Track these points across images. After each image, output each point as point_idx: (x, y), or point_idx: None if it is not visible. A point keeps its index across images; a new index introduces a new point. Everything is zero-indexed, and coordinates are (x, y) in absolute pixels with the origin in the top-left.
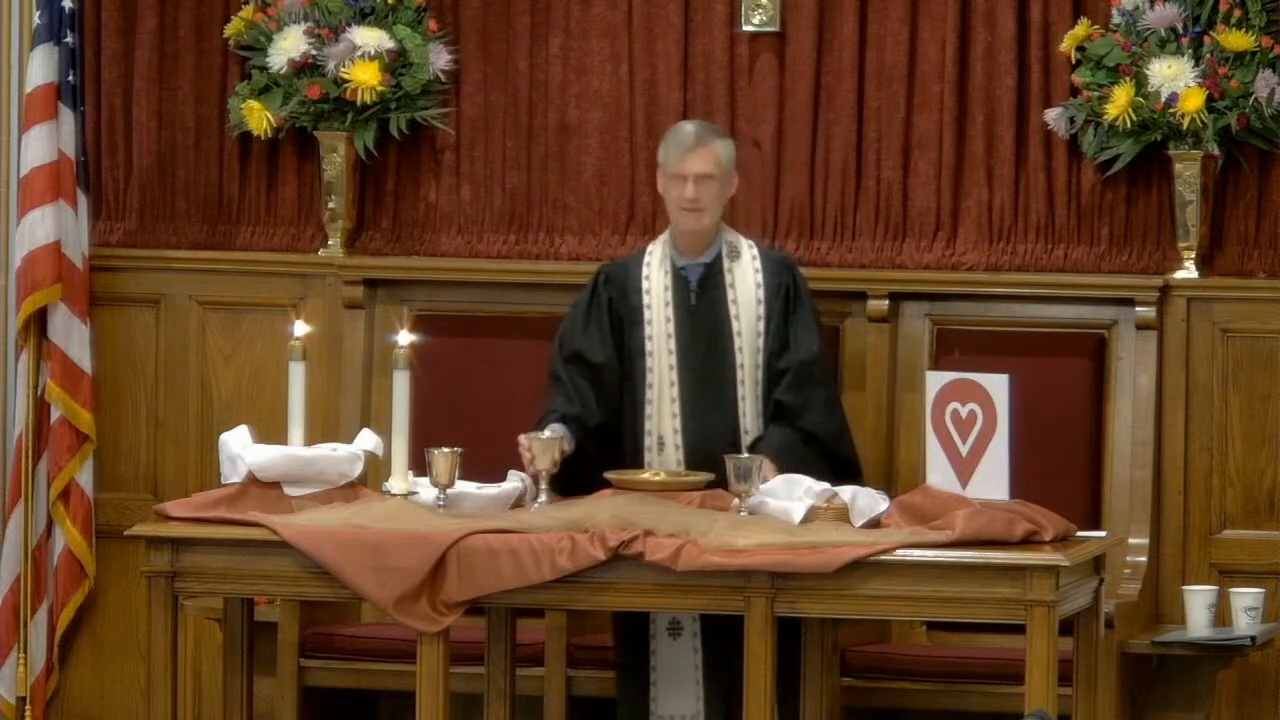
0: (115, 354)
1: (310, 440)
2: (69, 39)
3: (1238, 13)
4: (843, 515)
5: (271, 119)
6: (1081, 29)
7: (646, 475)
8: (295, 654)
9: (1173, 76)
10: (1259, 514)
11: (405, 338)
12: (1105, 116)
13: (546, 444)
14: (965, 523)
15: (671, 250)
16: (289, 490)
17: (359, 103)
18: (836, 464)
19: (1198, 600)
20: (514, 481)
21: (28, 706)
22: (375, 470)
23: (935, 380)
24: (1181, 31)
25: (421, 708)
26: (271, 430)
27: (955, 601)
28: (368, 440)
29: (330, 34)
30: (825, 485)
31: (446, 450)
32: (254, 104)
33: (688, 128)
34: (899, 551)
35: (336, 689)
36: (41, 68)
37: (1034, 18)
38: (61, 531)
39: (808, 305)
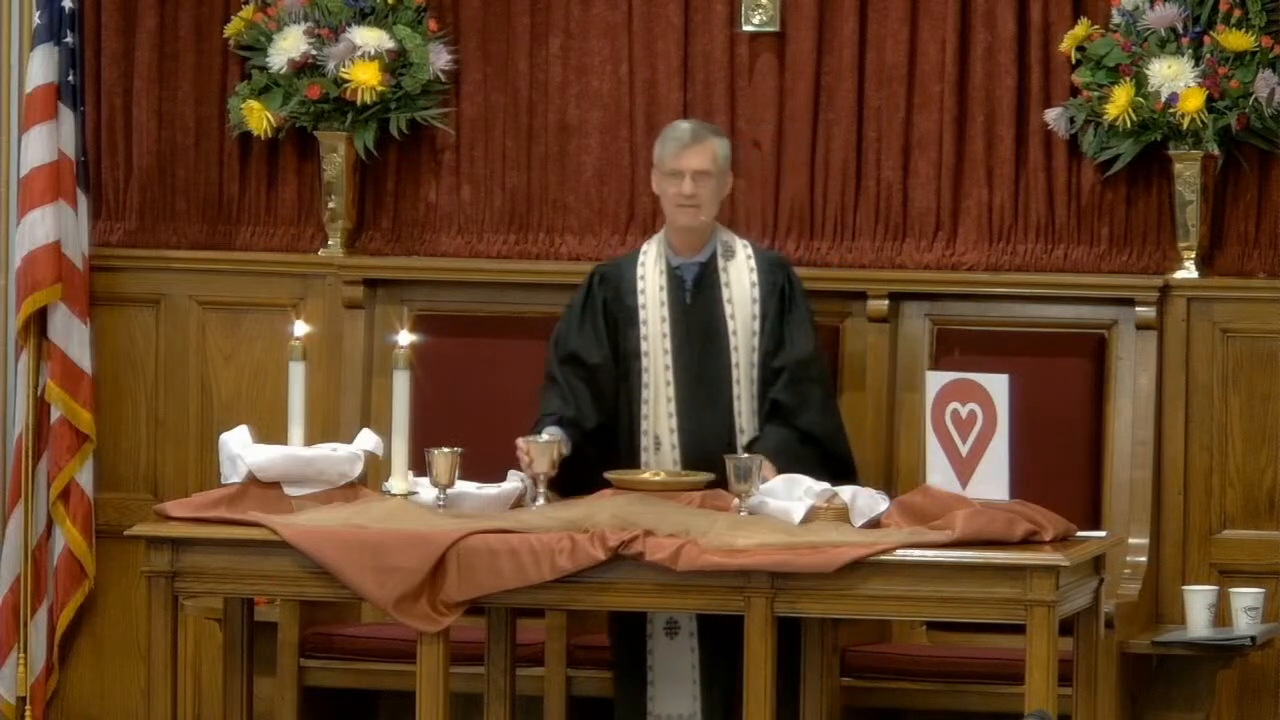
0: (115, 354)
1: (310, 440)
2: (69, 39)
3: (1238, 13)
4: (843, 515)
5: (271, 119)
6: (1081, 29)
7: (646, 475)
8: (295, 654)
9: (1173, 76)
10: (1259, 514)
11: (405, 338)
12: (1105, 116)
13: (544, 447)
14: (965, 523)
15: (666, 250)
16: (289, 490)
17: (359, 103)
18: (833, 463)
19: (1198, 600)
20: (514, 481)
21: (28, 706)
22: (375, 470)
23: (935, 380)
24: (1181, 31)
25: (421, 708)
26: (271, 430)
27: (955, 601)
28: (368, 440)
29: (330, 34)
30: (825, 485)
31: (446, 450)
32: (254, 104)
33: (684, 125)
34: (899, 551)
35: (336, 689)
36: (41, 68)
37: (1034, 18)
38: (61, 531)
39: (803, 304)
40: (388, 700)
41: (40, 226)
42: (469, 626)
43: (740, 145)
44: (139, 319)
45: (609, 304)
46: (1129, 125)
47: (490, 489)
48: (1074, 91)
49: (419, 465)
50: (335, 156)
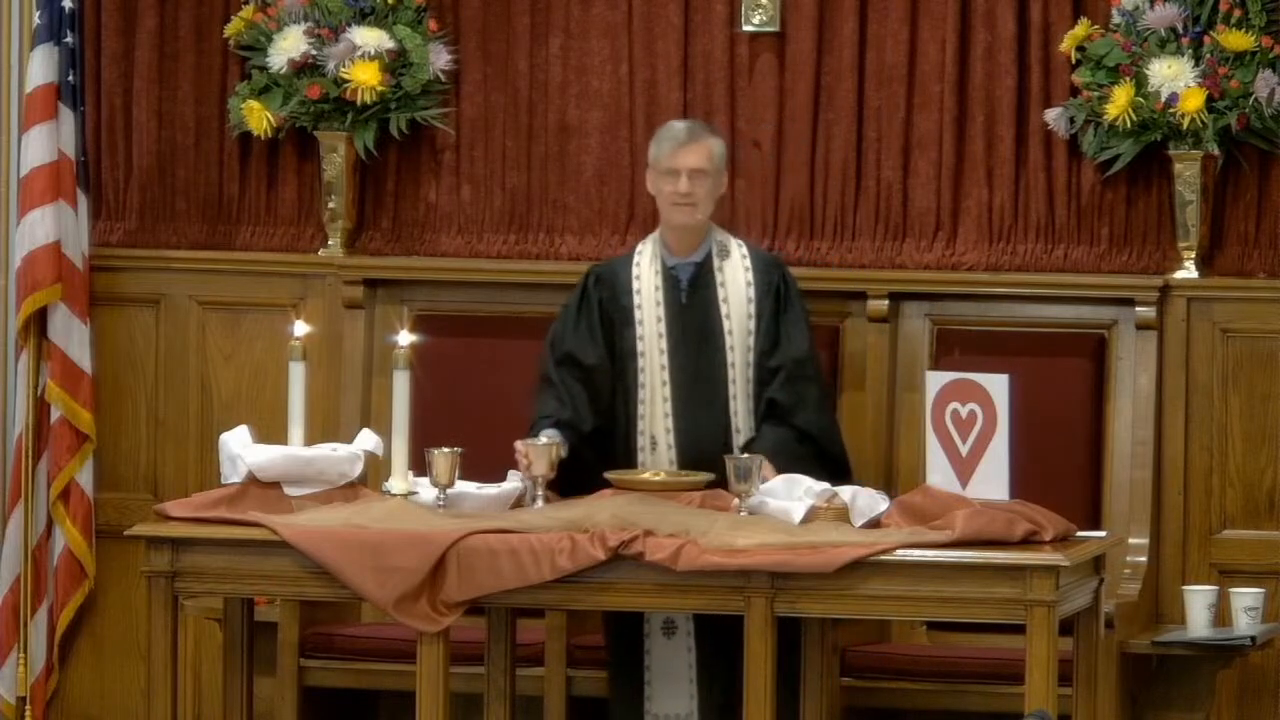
0: (115, 354)
1: (310, 440)
2: (69, 39)
3: (1238, 13)
4: (843, 515)
5: (271, 119)
6: (1081, 29)
7: (646, 475)
8: (295, 654)
9: (1173, 76)
10: (1259, 514)
11: (405, 338)
12: (1105, 116)
13: (543, 450)
14: (965, 523)
15: (662, 250)
16: (289, 490)
17: (359, 103)
18: (829, 462)
19: (1198, 600)
20: (514, 481)
21: (28, 706)
22: (375, 470)
23: (935, 380)
24: (1181, 31)
25: (421, 708)
26: (271, 430)
27: (955, 601)
28: (368, 440)
29: (330, 34)
30: (825, 485)
31: (446, 450)
32: (254, 104)
33: (679, 124)
34: (899, 551)
35: (336, 689)
36: (41, 68)
37: (1034, 18)
38: (61, 531)
39: (798, 304)
40: (388, 700)
41: (40, 226)
42: (469, 626)
43: (740, 145)
44: (139, 319)
45: (604, 304)
46: (1129, 125)
47: (490, 489)
48: (1074, 91)
49: (419, 465)
50: (335, 156)
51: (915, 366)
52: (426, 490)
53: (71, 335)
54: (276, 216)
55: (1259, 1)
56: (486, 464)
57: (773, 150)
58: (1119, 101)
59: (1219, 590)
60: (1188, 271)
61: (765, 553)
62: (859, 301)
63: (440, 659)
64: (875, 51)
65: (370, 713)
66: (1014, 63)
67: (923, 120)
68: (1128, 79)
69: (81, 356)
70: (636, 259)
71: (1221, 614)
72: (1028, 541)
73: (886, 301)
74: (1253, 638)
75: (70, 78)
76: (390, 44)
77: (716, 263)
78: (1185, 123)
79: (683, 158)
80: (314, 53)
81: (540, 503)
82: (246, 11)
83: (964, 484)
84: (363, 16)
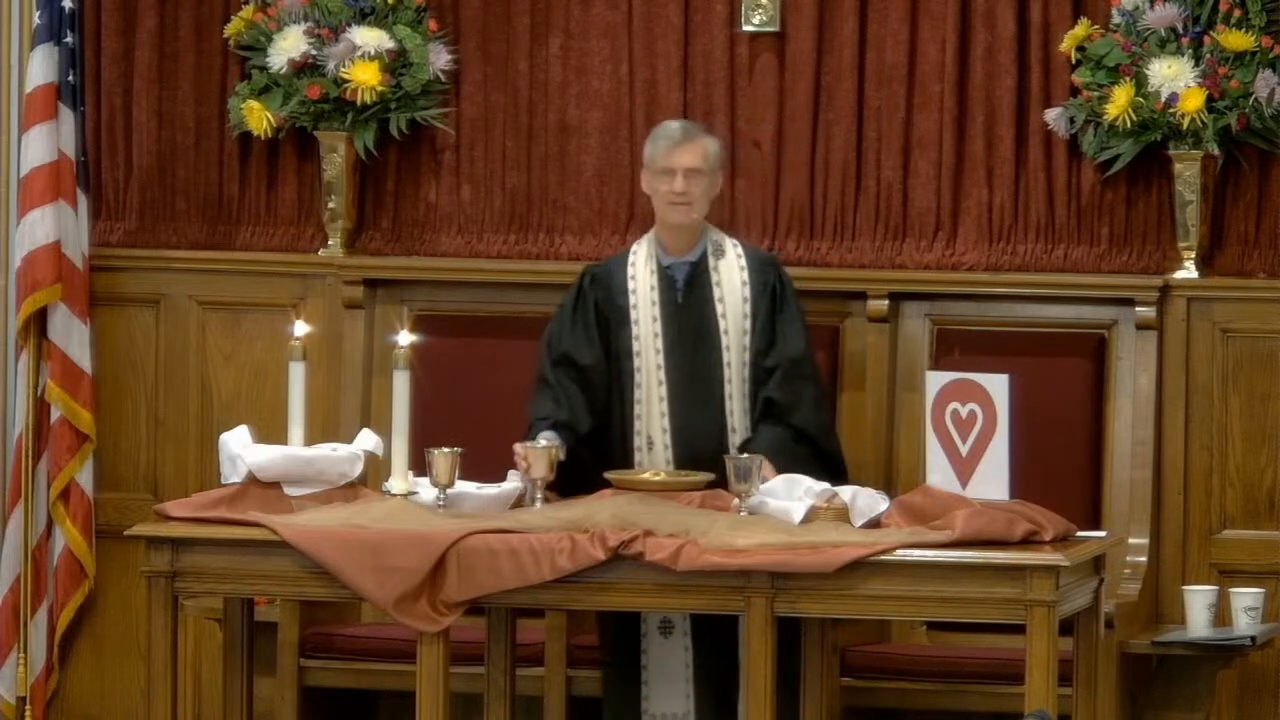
0: (115, 354)
1: (310, 440)
2: (69, 39)
3: (1238, 13)
4: (843, 515)
5: (271, 119)
6: (1081, 29)
7: (646, 475)
8: (295, 654)
9: (1173, 76)
10: (1259, 514)
11: (405, 338)
12: (1105, 116)
13: (542, 452)
14: (965, 523)
15: (657, 249)
16: (289, 490)
17: (359, 103)
18: (826, 461)
19: (1198, 600)
20: (514, 481)
21: (28, 706)
22: (375, 470)
23: (935, 380)
24: (1181, 31)
25: (421, 708)
26: (271, 430)
27: (955, 601)
28: (368, 440)
29: (330, 34)
30: (825, 485)
31: (446, 450)
32: (254, 104)
33: (674, 124)
34: (899, 551)
35: (336, 689)
36: (41, 68)
37: (1034, 18)
38: (61, 531)
39: (794, 303)
40: (388, 700)
41: (40, 226)
42: (469, 626)
43: (740, 145)
44: (139, 319)
45: (600, 304)
46: (1129, 125)
47: (490, 489)
48: (1074, 91)
49: (419, 465)
50: (335, 156)
51: (915, 366)
52: (426, 490)
53: (71, 335)
54: (276, 216)
55: (1259, 1)
56: (486, 464)
57: (773, 150)
58: (1119, 101)
59: (1219, 590)
60: (1188, 271)
61: (765, 553)
62: (859, 301)
63: (440, 659)
64: (875, 51)
65: (370, 713)
66: (1014, 63)
67: (923, 120)
68: (1128, 79)
69: (81, 356)
70: (631, 259)
71: (1221, 614)
72: (1028, 541)
73: (886, 301)
74: (1253, 638)
75: (70, 78)
76: (390, 44)
77: (712, 262)
78: (1185, 123)
79: (678, 157)
80: (314, 53)
81: (540, 503)
82: (246, 11)
83: (964, 484)
84: (363, 16)
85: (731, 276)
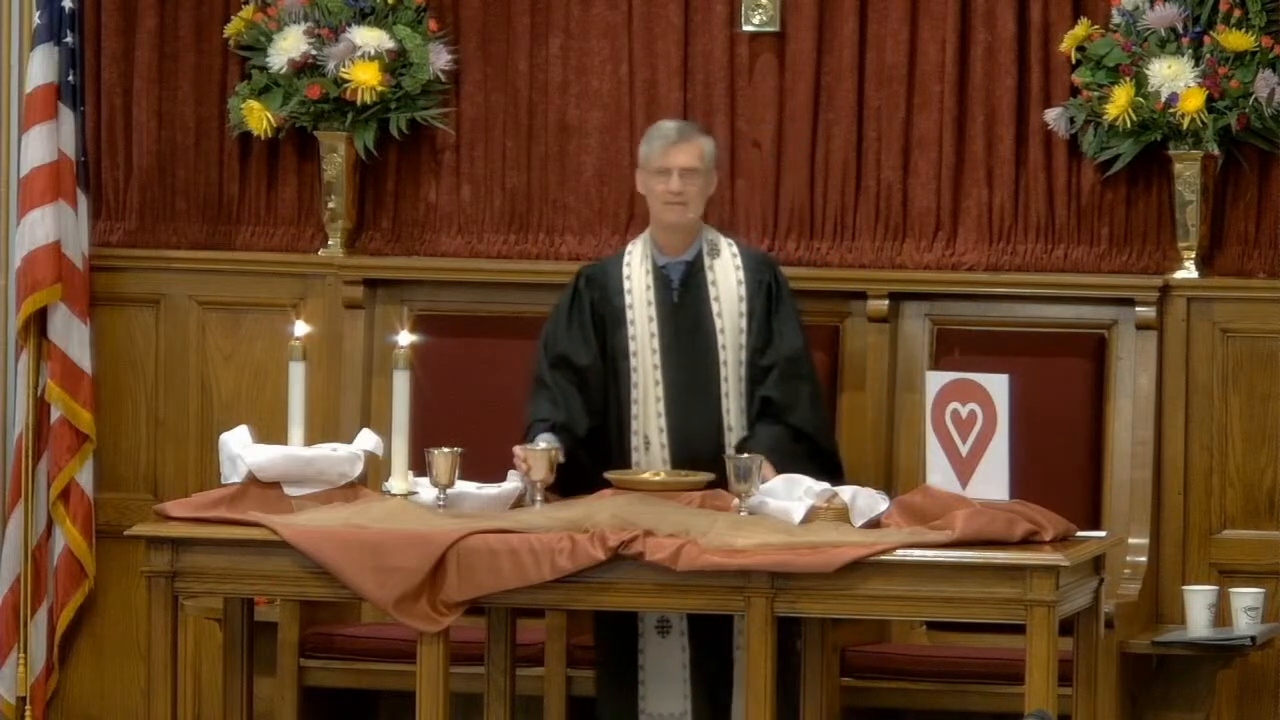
0: (115, 354)
1: (310, 440)
2: (69, 39)
3: (1238, 13)
4: (843, 515)
5: (271, 119)
6: (1081, 29)
7: (647, 475)
8: (295, 654)
9: (1173, 76)
10: (1259, 514)
11: (405, 338)
12: (1105, 116)
13: (542, 454)
14: (965, 523)
15: (652, 249)
16: (289, 490)
17: (359, 103)
18: (823, 460)
19: (1198, 600)
20: (514, 481)
21: (28, 706)
22: (375, 470)
23: (935, 380)
24: (1181, 31)
25: (421, 708)
26: (271, 430)
27: (955, 601)
28: (368, 440)
29: (330, 34)
30: (825, 485)
31: (446, 450)
32: (254, 104)
33: (669, 124)
34: (899, 551)
35: (336, 689)
36: (41, 68)
37: (1034, 18)
38: (61, 531)
39: (789, 302)
40: (388, 700)
41: (40, 226)
42: (469, 626)
43: (740, 145)
44: (139, 319)
45: (596, 305)
46: (1129, 125)
47: (490, 489)
48: (1074, 91)
49: (419, 465)
50: (335, 156)
51: (915, 366)
52: (426, 490)
53: (71, 335)
54: (276, 216)
55: (1259, 1)
56: (486, 464)
57: (773, 150)
58: (1119, 101)
59: (1219, 590)
60: (1188, 271)
61: (765, 553)
62: (859, 301)
63: (440, 659)
64: (875, 51)
65: (370, 713)
66: (1014, 63)
67: (923, 120)
68: (1128, 79)
69: (81, 356)
70: (627, 259)
71: (1221, 614)
72: (1028, 541)
73: (886, 301)
74: (1253, 638)
75: (70, 78)
76: (390, 44)
77: (707, 261)
78: (1185, 123)
79: (674, 157)
80: (314, 53)
81: (540, 504)
82: (246, 11)
83: (964, 484)
84: (363, 16)
85: (727, 275)
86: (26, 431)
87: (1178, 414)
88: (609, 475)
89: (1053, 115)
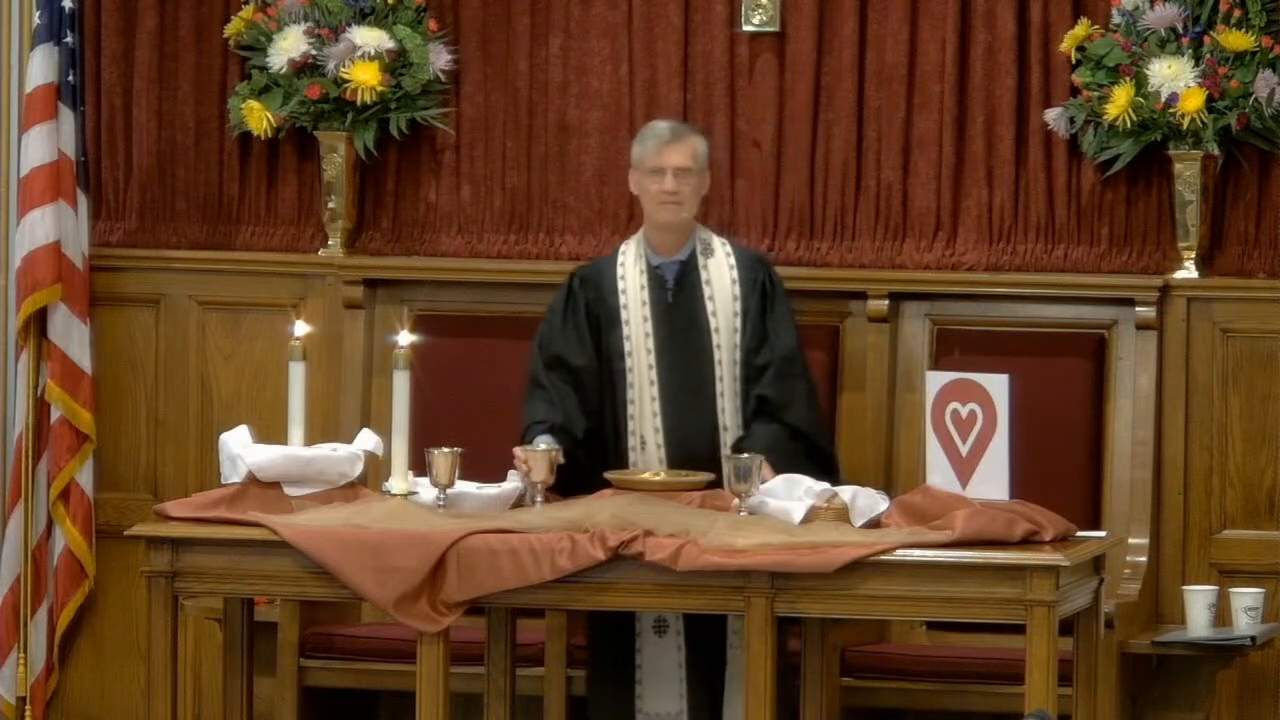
0: (115, 354)
1: (310, 440)
2: (69, 39)
3: (1238, 13)
4: (843, 515)
5: (271, 119)
6: (1081, 29)
7: (646, 475)
8: (295, 654)
9: (1173, 76)
10: (1259, 514)
11: (405, 338)
12: (1105, 116)
13: (542, 455)
14: (965, 523)
15: (646, 249)
16: (289, 490)
17: (359, 103)
18: (819, 459)
19: (1198, 600)
20: (514, 481)
21: (28, 706)
22: (375, 470)
23: (935, 380)
24: (1181, 31)
25: (421, 708)
26: (271, 430)
27: (955, 601)
28: (368, 440)
29: (330, 34)
30: (825, 485)
31: (446, 450)
32: (254, 104)
33: (663, 124)
34: (899, 551)
35: (336, 689)
36: (41, 68)
37: (1034, 18)
38: (61, 531)
39: (784, 301)
40: (388, 700)
41: (40, 226)
42: (469, 626)
43: (740, 145)
44: (139, 319)
45: (590, 305)
46: (1129, 125)
47: (490, 489)
48: (1074, 91)
49: (419, 465)
50: (335, 156)
51: (915, 366)
52: (426, 490)
53: (71, 335)
54: (276, 216)
55: (1259, 1)
56: (486, 464)
57: (773, 150)
58: (1119, 101)
59: (1219, 590)
60: (1188, 271)
61: (765, 553)
62: (859, 301)
63: (440, 659)
64: (875, 51)
65: (370, 713)
66: (1014, 63)
67: (923, 120)
68: (1128, 79)
69: (81, 356)
70: (620, 259)
71: (1221, 614)
72: (1028, 541)
73: (886, 301)
74: (1253, 638)
75: (70, 78)
76: (390, 44)
77: (701, 261)
78: (1185, 123)
79: (668, 156)
80: (314, 53)
81: (540, 504)
82: (246, 11)
83: (964, 484)
84: (363, 16)
85: (721, 275)
86: (26, 431)
87: (1178, 414)
88: (609, 475)
89: (1053, 115)
